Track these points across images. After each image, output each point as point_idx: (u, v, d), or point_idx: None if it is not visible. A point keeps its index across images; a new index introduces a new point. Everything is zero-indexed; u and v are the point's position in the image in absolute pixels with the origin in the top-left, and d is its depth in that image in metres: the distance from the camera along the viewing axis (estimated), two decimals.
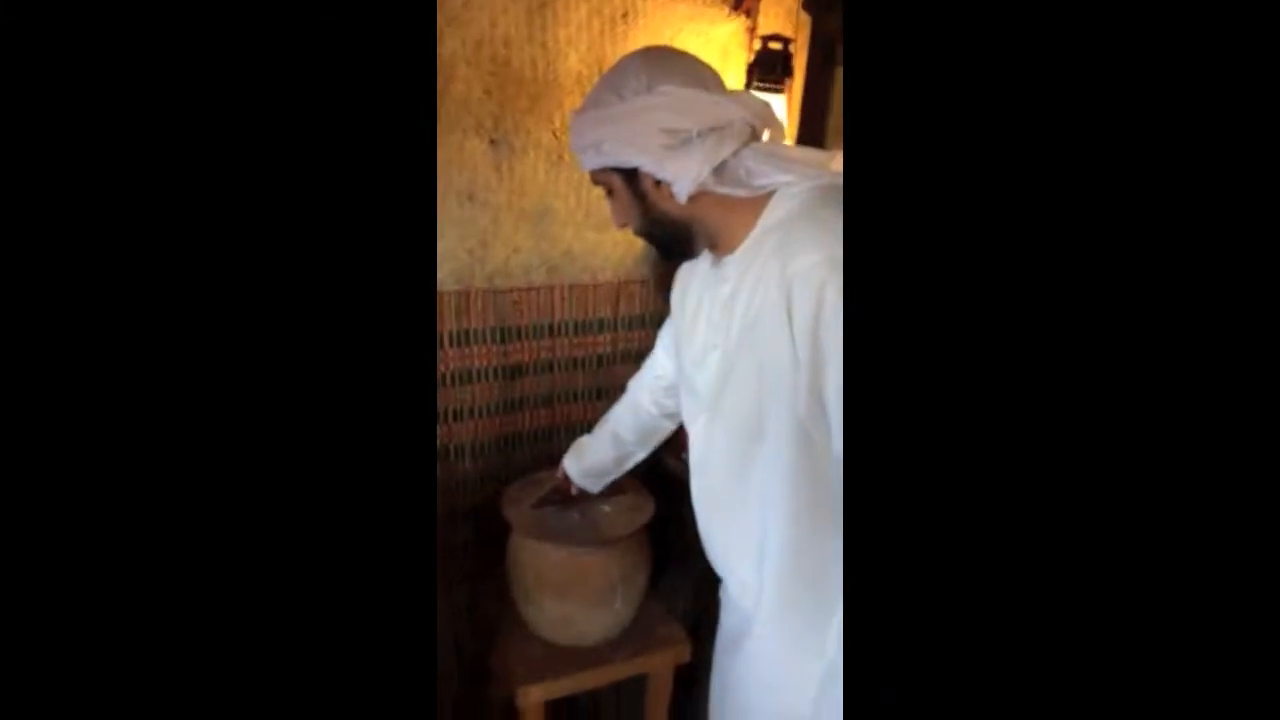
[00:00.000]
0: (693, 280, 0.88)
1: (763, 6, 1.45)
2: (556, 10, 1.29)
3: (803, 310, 0.64)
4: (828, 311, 0.63)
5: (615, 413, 1.20)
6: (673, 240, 0.80)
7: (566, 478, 1.24)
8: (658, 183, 0.74)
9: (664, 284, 1.51)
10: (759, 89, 1.37)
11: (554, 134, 1.38)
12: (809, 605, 0.76)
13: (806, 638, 0.76)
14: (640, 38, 1.37)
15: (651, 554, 1.29)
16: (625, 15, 1.35)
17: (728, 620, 0.92)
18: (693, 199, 0.73)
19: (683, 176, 0.71)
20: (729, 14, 1.43)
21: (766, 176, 0.73)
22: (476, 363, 1.44)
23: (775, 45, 1.38)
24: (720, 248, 0.78)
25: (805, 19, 1.44)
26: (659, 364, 1.12)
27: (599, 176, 0.79)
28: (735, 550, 0.84)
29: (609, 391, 1.58)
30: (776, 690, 0.82)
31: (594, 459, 1.22)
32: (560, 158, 1.40)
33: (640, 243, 1.52)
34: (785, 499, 0.73)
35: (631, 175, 0.76)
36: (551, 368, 1.51)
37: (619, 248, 1.51)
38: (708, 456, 0.84)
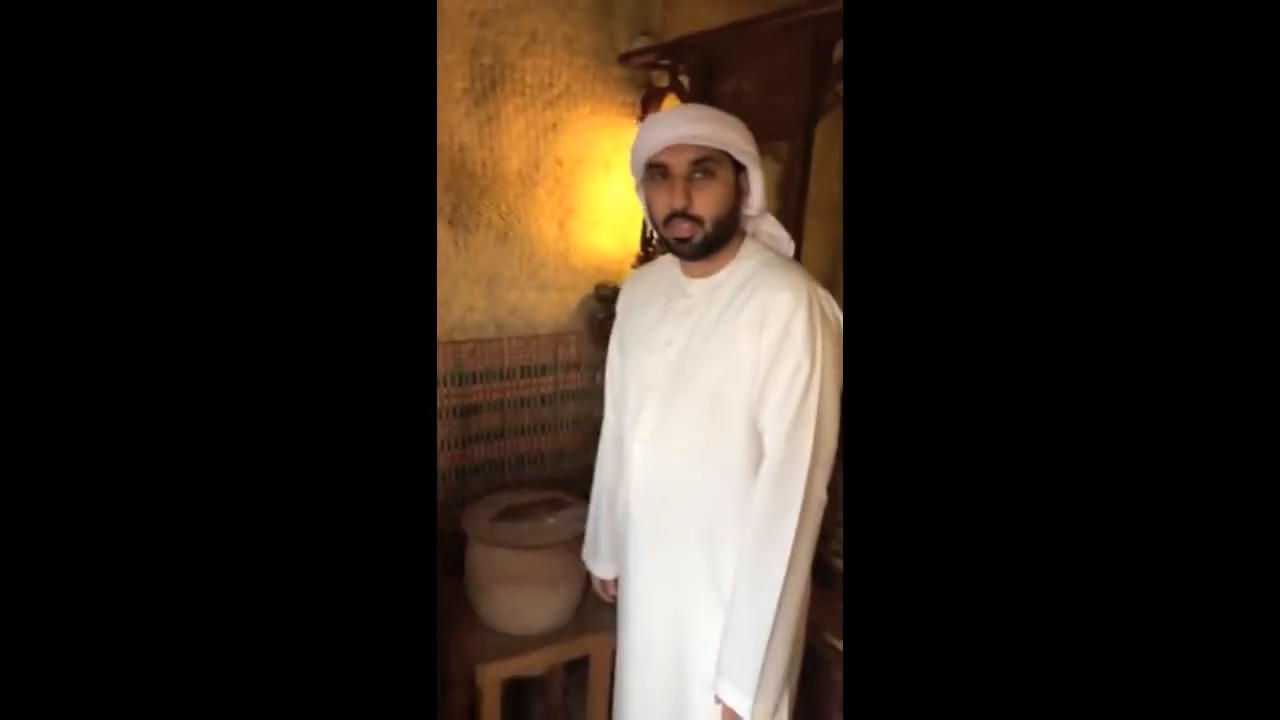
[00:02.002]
0: (639, 291, 1.12)
1: None
2: (501, 122, 1.67)
3: (772, 329, 0.90)
4: (794, 333, 0.89)
5: (601, 483, 1.23)
6: (718, 239, 0.97)
7: (603, 582, 1.28)
8: (741, 189, 0.97)
9: (594, 334, 1.84)
10: None
11: (500, 216, 1.72)
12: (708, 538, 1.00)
13: (700, 569, 1.00)
14: (568, 143, 1.76)
15: None
16: (555, 126, 1.74)
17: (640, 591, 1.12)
18: (743, 219, 1.00)
19: (759, 190, 0.97)
20: (638, 124, 1.83)
21: (762, 231, 1.03)
22: (438, 404, 1.71)
23: None
24: (696, 271, 1.01)
25: None
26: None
27: (713, 156, 0.93)
28: (688, 497, 1.02)
29: (551, 426, 1.86)
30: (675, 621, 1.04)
31: (610, 535, 1.22)
32: (506, 234, 1.74)
33: (575, 300, 1.85)
34: (726, 453, 0.97)
35: (739, 172, 0.97)
36: (501, 407, 1.79)
37: (555, 306, 1.83)
38: (664, 422, 1.01)
